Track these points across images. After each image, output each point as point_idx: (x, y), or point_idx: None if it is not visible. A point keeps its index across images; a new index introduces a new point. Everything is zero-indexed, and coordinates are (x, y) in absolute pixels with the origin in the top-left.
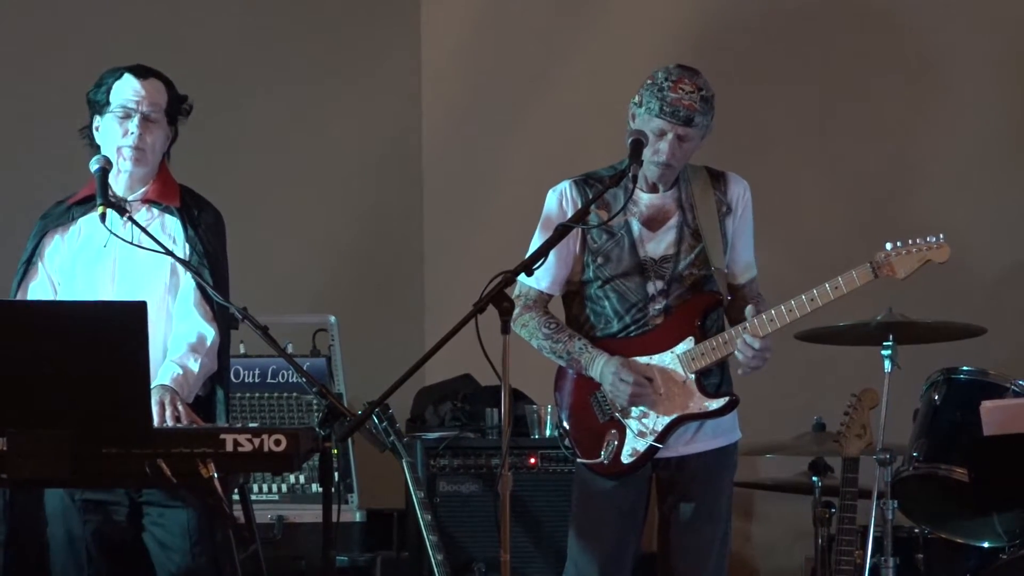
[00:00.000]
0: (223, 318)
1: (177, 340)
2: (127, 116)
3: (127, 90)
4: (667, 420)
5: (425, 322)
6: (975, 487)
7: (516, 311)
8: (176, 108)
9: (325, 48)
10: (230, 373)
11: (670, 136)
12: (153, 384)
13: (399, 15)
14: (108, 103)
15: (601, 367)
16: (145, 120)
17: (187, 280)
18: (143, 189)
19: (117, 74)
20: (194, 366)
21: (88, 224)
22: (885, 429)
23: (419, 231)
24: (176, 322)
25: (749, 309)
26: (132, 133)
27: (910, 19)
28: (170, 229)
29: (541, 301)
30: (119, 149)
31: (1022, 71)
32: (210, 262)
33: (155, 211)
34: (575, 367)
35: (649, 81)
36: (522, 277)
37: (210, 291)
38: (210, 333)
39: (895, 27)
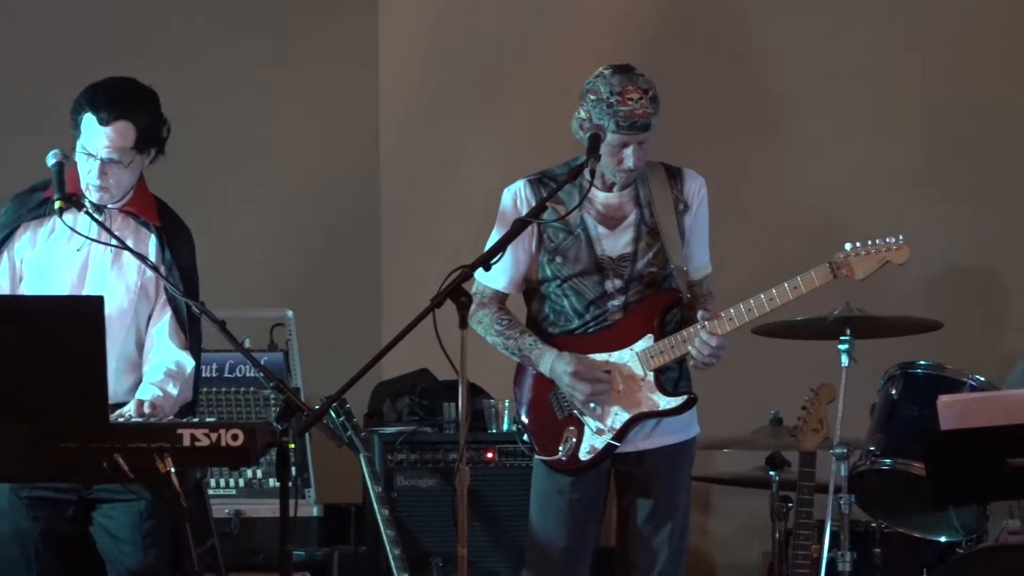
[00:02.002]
0: (198, 347)
1: (155, 367)
2: (90, 156)
3: (90, 133)
4: (625, 418)
5: (382, 317)
6: (932, 481)
7: (472, 308)
8: (149, 138)
9: (282, 42)
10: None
11: (631, 145)
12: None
13: (357, 9)
14: (79, 132)
15: (551, 363)
16: (107, 163)
17: (163, 309)
18: (121, 201)
19: (87, 107)
20: (172, 390)
21: (63, 223)
22: (842, 423)
23: (376, 226)
24: (153, 350)
25: (701, 313)
26: (93, 173)
27: (861, 17)
28: (144, 244)
29: (497, 298)
30: (86, 184)
31: (969, 73)
32: (186, 285)
33: (131, 222)
34: (527, 363)
35: (592, 96)
36: (478, 276)
37: (167, 286)
38: (189, 363)
39: (846, 24)
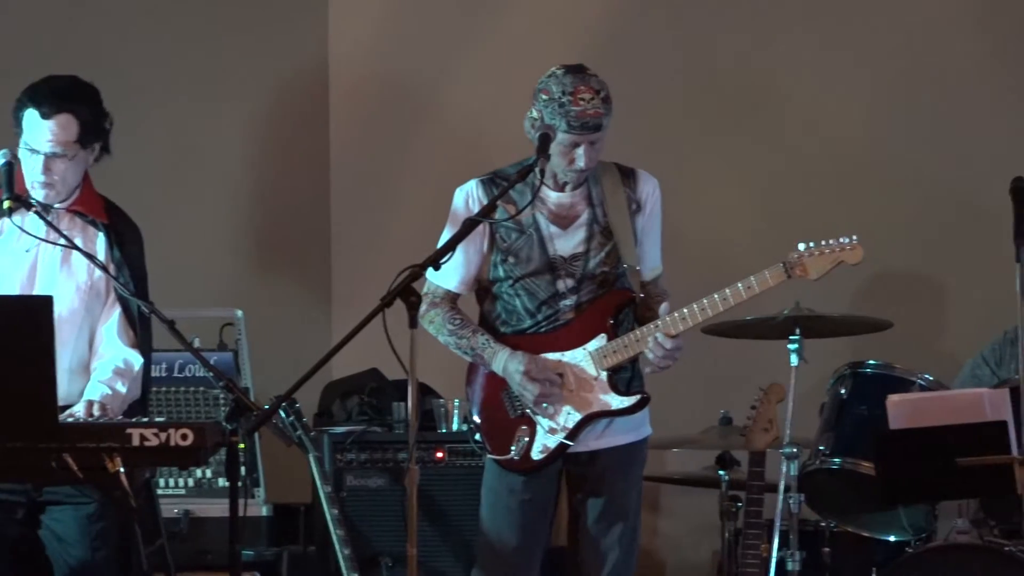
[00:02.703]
0: (147, 345)
1: (104, 365)
2: (34, 152)
3: (33, 128)
4: (578, 417)
5: (332, 317)
6: (881, 481)
7: (423, 308)
8: (93, 132)
9: (231, 39)
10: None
11: (583, 145)
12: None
13: (307, 6)
14: (21, 130)
15: (504, 363)
16: (51, 158)
17: (112, 307)
18: (68, 200)
19: (28, 103)
20: (121, 389)
21: (12, 224)
22: (792, 423)
23: (326, 225)
24: (102, 348)
25: (664, 307)
26: (37, 169)
27: (814, 21)
28: (92, 242)
29: (448, 298)
30: (31, 182)
31: (919, 76)
32: (135, 283)
33: (79, 221)
34: (479, 362)
35: (545, 96)
36: (429, 276)
37: (116, 285)
38: (137, 360)
39: (799, 27)
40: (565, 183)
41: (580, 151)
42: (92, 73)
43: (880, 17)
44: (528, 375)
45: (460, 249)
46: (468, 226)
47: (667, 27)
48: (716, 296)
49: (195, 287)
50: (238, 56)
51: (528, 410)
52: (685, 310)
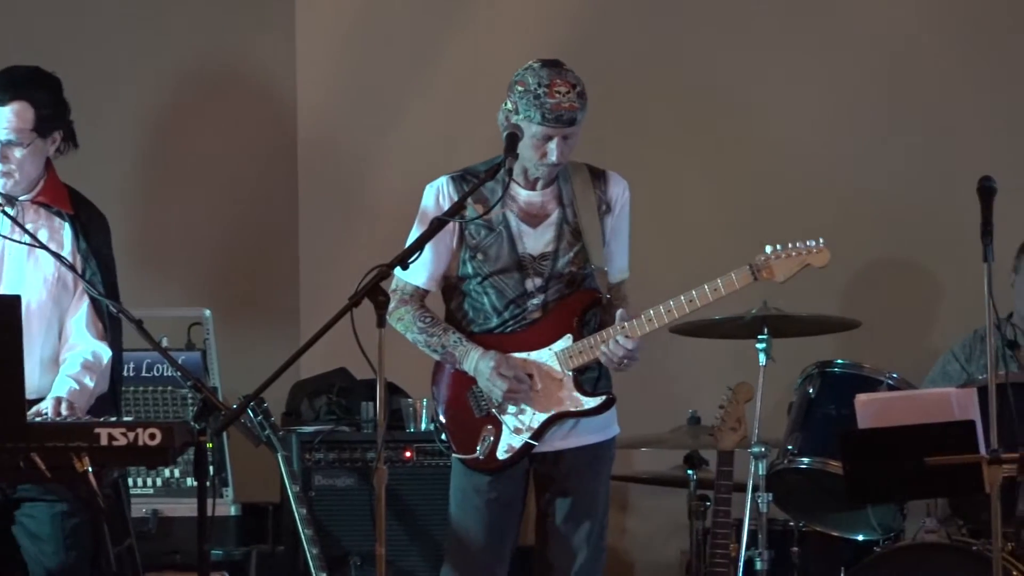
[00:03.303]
0: (117, 338)
1: (72, 358)
2: None
3: None
4: (543, 417)
5: (300, 316)
6: (849, 480)
7: (392, 305)
8: (50, 121)
9: (199, 36)
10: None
11: (556, 139)
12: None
13: (273, 7)
14: None
15: (476, 361)
16: (7, 146)
17: (80, 299)
18: (32, 192)
19: None
20: (89, 383)
21: None
22: (760, 422)
23: (294, 225)
24: (70, 341)
25: (621, 312)
26: None
27: (783, 20)
28: (59, 234)
29: (417, 296)
30: None
31: (884, 72)
32: (103, 273)
33: (44, 213)
34: (450, 361)
35: (520, 88)
36: (398, 272)
37: (84, 284)
38: (106, 353)
39: (770, 25)
40: (536, 180)
41: (553, 145)
42: (61, 69)
43: (847, 18)
44: (497, 371)
45: (429, 245)
46: (436, 225)
47: (634, 31)
48: (682, 298)
49: (163, 286)
50: (208, 57)
51: (494, 410)
52: (651, 312)
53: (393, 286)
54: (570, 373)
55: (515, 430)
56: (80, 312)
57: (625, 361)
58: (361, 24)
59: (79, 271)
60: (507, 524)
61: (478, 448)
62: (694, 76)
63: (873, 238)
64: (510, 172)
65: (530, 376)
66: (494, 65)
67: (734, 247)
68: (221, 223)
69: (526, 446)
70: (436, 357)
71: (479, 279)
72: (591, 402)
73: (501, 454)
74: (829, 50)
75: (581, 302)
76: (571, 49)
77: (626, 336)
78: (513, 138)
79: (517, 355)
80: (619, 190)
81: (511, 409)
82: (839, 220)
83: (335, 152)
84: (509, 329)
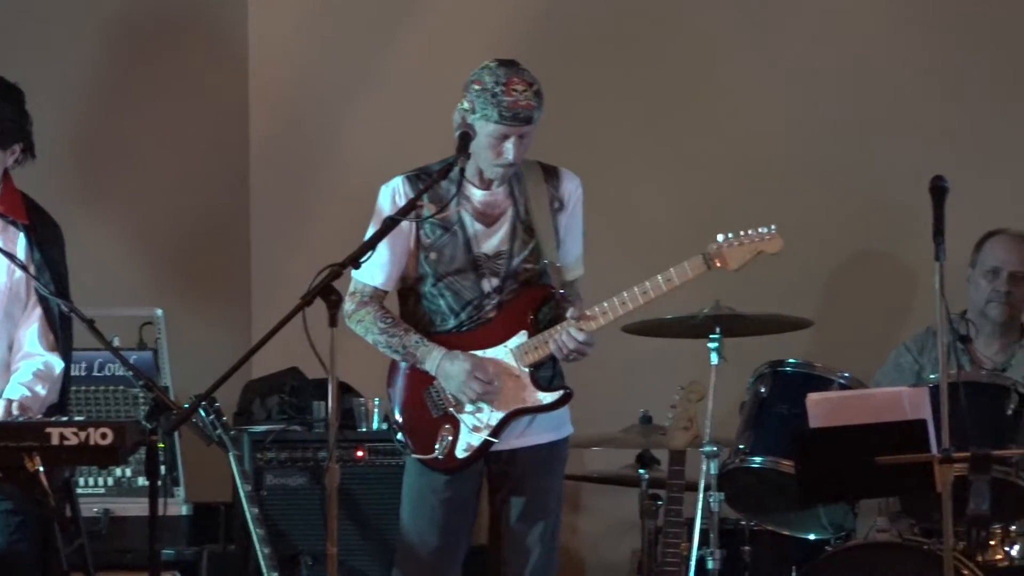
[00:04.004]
0: (68, 348)
1: (25, 367)
2: None
3: None
4: (502, 415)
5: (252, 315)
6: (801, 479)
7: (351, 307)
8: (11, 133)
9: (149, 35)
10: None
11: (513, 138)
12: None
13: (226, 6)
14: None
15: (439, 361)
16: None
17: (32, 310)
18: None
19: None
20: (41, 391)
21: None
22: (712, 422)
23: (246, 224)
24: (24, 351)
25: (571, 311)
26: None
27: (741, 10)
28: (13, 243)
29: (376, 297)
30: None
31: (843, 67)
32: (56, 284)
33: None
34: (411, 361)
35: (477, 86)
36: (356, 274)
37: (38, 286)
38: (58, 364)
39: (726, 19)
40: (491, 180)
41: (509, 144)
42: (13, 69)
43: (808, 14)
44: (473, 375)
45: (387, 246)
46: (388, 225)
47: (589, 23)
48: (636, 289)
49: (114, 286)
50: (158, 55)
51: (451, 409)
52: (605, 304)
53: (352, 288)
54: (526, 370)
55: (473, 428)
56: (32, 323)
57: (575, 354)
58: (315, 21)
59: (39, 279)
60: (461, 524)
61: (436, 447)
62: (648, 70)
63: (827, 237)
64: (462, 172)
65: (492, 384)
66: (449, 63)
67: (688, 242)
68: (173, 222)
69: (485, 444)
70: (397, 358)
71: (434, 280)
72: (548, 397)
73: (460, 453)
74: (787, 45)
75: (535, 298)
76: (526, 46)
77: (579, 328)
78: (466, 137)
79: (475, 353)
80: (572, 187)
81: (469, 408)
82: (793, 218)
83: (287, 151)
84: (465, 328)
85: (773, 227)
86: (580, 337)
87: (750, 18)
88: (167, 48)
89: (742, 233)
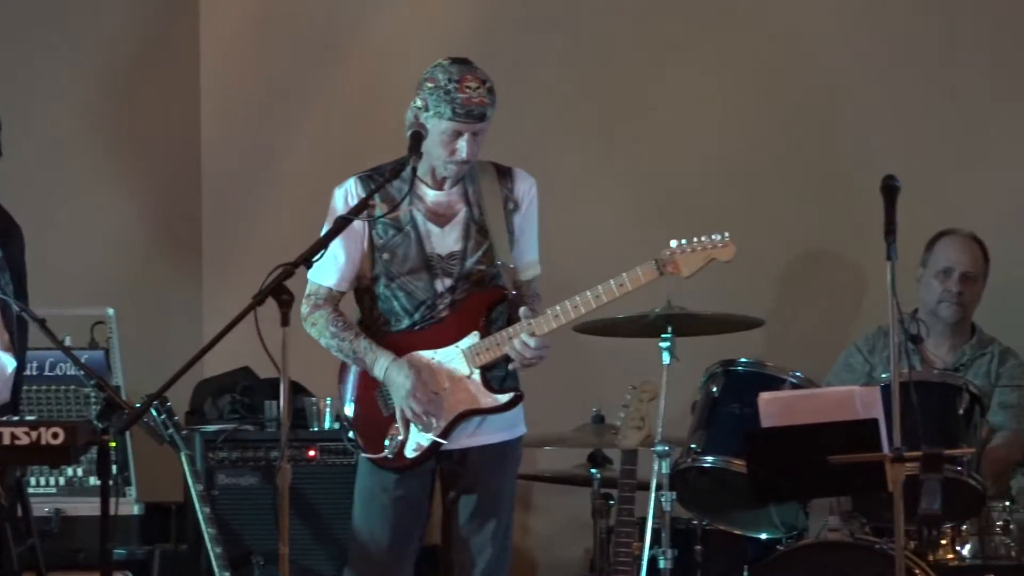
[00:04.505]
0: (23, 347)
1: None
2: None
3: None
4: (452, 415)
5: (203, 315)
6: (753, 479)
7: (306, 310)
8: None
9: (100, 36)
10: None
11: (466, 135)
12: None
13: (177, 8)
14: None
15: (385, 369)
16: None
17: None
18: None
19: None
20: None
21: None
22: (664, 421)
23: (198, 223)
24: None
25: (523, 311)
26: None
27: (686, 15)
28: None
29: (331, 299)
30: None
31: (791, 70)
32: (16, 284)
33: None
34: (361, 366)
35: (430, 84)
36: (311, 276)
37: None
38: (10, 363)
39: (677, 19)
40: (444, 179)
41: (463, 142)
42: None
43: (751, 18)
44: (413, 395)
45: (340, 247)
46: (340, 224)
47: (541, 28)
48: (588, 293)
49: (66, 285)
50: (108, 53)
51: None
52: (557, 308)
53: (308, 291)
54: (477, 371)
55: (423, 428)
56: None
57: (533, 360)
58: (266, 21)
59: None
60: (412, 524)
61: (386, 446)
62: (600, 73)
63: (778, 237)
64: (414, 171)
65: (440, 387)
66: (402, 62)
67: (641, 244)
68: (125, 221)
69: (435, 444)
70: (348, 361)
71: (387, 280)
72: (498, 399)
73: (409, 452)
74: (733, 49)
75: (487, 299)
76: (479, 46)
77: (531, 335)
78: (417, 136)
79: (424, 353)
80: (526, 187)
81: (393, 401)
82: (745, 218)
83: (239, 150)
84: (418, 328)
85: (726, 234)
86: (532, 343)
87: (705, 18)
88: (118, 47)
89: (695, 240)
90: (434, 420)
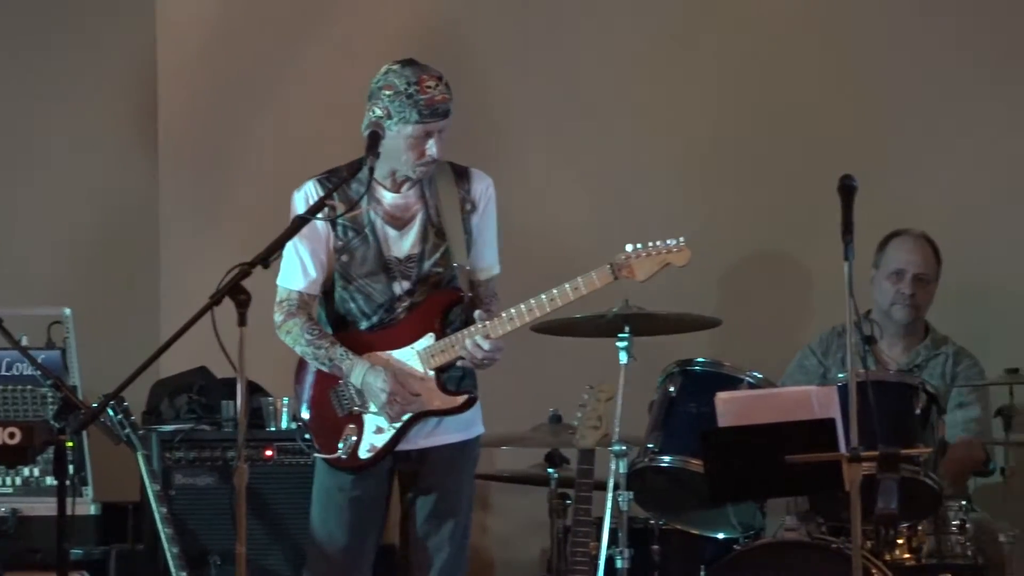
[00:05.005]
0: None
1: None
2: None
3: None
4: (406, 416)
5: (161, 315)
6: (710, 478)
7: (280, 318)
8: None
9: (57, 36)
10: None
11: (434, 134)
12: None
13: (133, 9)
14: None
15: (363, 375)
16: None
17: None
18: None
19: None
20: None
21: None
22: (621, 421)
23: (155, 223)
24: None
25: (478, 313)
26: None
27: (631, 19)
28: None
29: (303, 304)
30: None
31: (749, 71)
32: None
33: None
34: (338, 374)
35: (388, 91)
36: (282, 283)
37: None
38: None
39: (615, 25)
40: (403, 182)
41: (432, 141)
42: None
43: (712, 17)
44: (392, 399)
45: (307, 249)
46: (297, 224)
47: (502, 23)
48: (543, 296)
49: (23, 285)
50: (65, 49)
51: (356, 409)
52: (512, 310)
53: (279, 298)
54: (432, 372)
55: (376, 430)
56: None
57: (485, 361)
58: (223, 20)
59: None
60: (370, 523)
61: (340, 447)
62: (558, 74)
63: (735, 237)
64: (371, 170)
65: (418, 396)
66: (362, 63)
67: (599, 245)
68: (81, 221)
69: (389, 445)
70: (324, 369)
71: (344, 282)
72: (451, 401)
73: (363, 453)
74: (692, 49)
75: (443, 301)
76: (439, 39)
77: (485, 336)
78: (375, 136)
79: (380, 354)
80: (482, 187)
81: (373, 408)
82: (702, 218)
83: (197, 149)
84: (375, 329)
85: (681, 239)
86: (486, 346)
87: (662, 20)
88: (75, 44)
89: (651, 244)
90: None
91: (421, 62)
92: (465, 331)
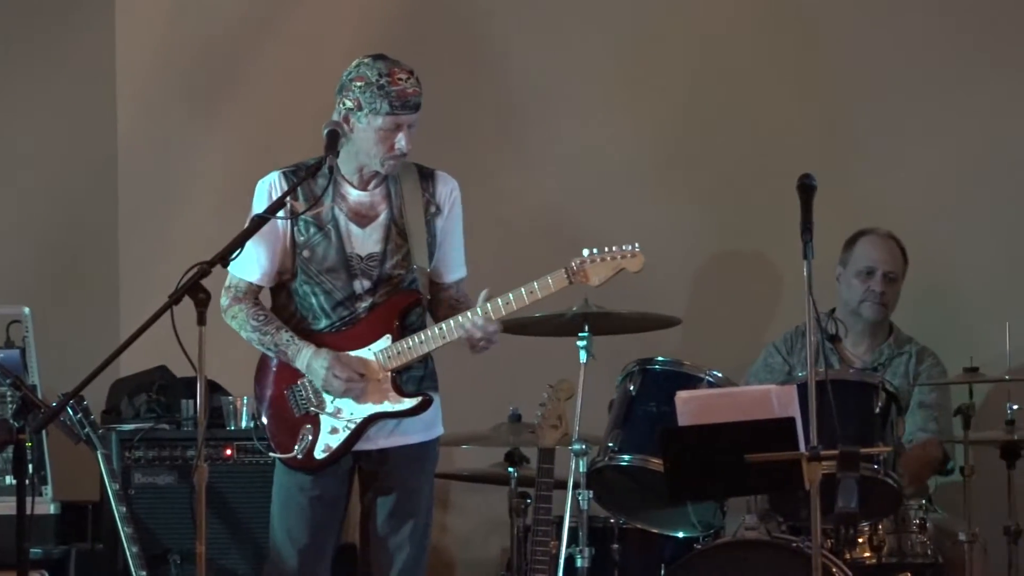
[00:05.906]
0: None
1: None
2: None
3: None
4: (360, 417)
5: (120, 314)
6: (670, 477)
7: (226, 302)
8: None
9: (15, 33)
10: None
11: (404, 127)
12: None
13: (93, 5)
14: None
15: (308, 359)
16: None
17: None
18: None
19: None
20: None
21: None
22: (581, 420)
23: (114, 222)
24: None
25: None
26: None
27: (597, 22)
28: None
29: (251, 292)
30: None
31: (704, 71)
32: None
33: None
34: (283, 358)
35: (360, 83)
36: (232, 269)
37: None
38: None
39: (582, 26)
40: (369, 179)
41: (402, 134)
42: None
43: (672, 15)
44: (332, 372)
45: (262, 242)
46: (256, 223)
47: (458, 27)
48: (499, 300)
49: None
50: (22, 46)
51: (313, 408)
52: (468, 313)
53: (227, 283)
54: (388, 374)
55: (332, 430)
56: None
57: (483, 343)
58: (181, 21)
59: None
60: (330, 522)
61: (296, 447)
62: (517, 76)
63: (695, 236)
64: (331, 169)
65: (362, 375)
66: (315, 61)
67: (556, 248)
68: (40, 220)
69: (344, 445)
70: (269, 354)
71: (305, 278)
72: (406, 403)
73: (319, 454)
74: (645, 51)
75: (401, 303)
76: (401, 36)
77: (486, 318)
78: (334, 135)
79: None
80: (447, 189)
81: (329, 409)
82: (661, 217)
83: (156, 147)
84: (335, 329)
85: (636, 245)
86: (485, 326)
87: (615, 21)
88: (34, 49)
89: (606, 249)
90: (350, 412)
91: (392, 57)
92: (423, 333)
